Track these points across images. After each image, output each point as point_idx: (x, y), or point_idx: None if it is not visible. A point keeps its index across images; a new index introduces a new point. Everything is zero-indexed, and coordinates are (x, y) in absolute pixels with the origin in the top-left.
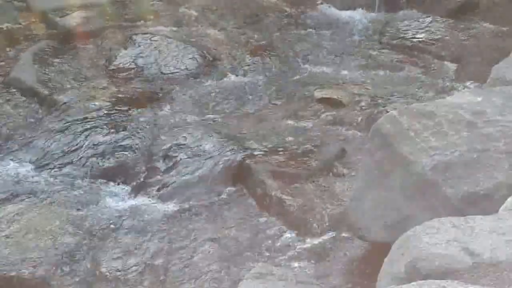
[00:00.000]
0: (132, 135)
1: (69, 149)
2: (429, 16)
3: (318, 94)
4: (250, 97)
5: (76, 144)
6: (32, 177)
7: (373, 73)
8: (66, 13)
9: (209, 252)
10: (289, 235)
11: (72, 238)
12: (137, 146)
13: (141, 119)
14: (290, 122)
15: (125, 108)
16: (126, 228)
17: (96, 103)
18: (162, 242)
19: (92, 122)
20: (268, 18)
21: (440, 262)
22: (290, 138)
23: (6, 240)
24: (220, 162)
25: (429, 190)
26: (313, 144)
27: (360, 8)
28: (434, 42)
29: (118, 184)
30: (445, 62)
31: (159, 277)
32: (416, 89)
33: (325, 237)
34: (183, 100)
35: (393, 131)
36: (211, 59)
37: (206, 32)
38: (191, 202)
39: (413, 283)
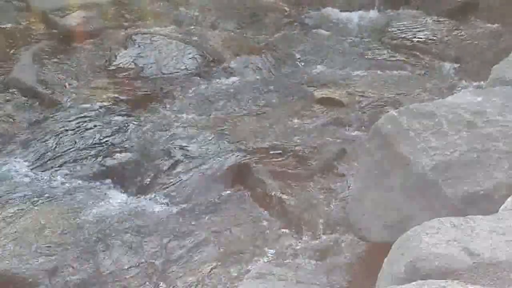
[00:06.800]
0: (132, 135)
1: (69, 149)
2: (429, 16)
3: (318, 94)
4: (250, 97)
5: (76, 144)
6: (32, 177)
7: (373, 73)
8: (66, 13)
9: (209, 252)
10: (289, 235)
11: (72, 238)
12: (137, 146)
13: (141, 119)
14: (290, 122)
15: (125, 108)
16: (126, 228)
17: (96, 103)
18: (162, 242)
19: (92, 122)
20: (268, 18)
21: (440, 262)
22: (290, 138)
23: (6, 240)
24: (220, 162)
25: (429, 190)
26: (313, 144)
27: (360, 8)
28: (434, 42)
29: (118, 184)
30: (445, 62)
31: (159, 277)
32: (416, 89)
33: (325, 237)
34: (183, 100)
35: (393, 131)
36: (211, 59)
37: (206, 32)
38: (191, 202)
39: (413, 283)
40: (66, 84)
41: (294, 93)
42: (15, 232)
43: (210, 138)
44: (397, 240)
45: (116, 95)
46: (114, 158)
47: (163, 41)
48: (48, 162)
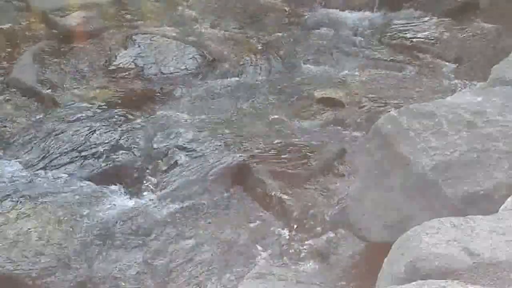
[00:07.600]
0: (132, 135)
1: (69, 149)
2: (429, 16)
3: (318, 94)
4: (250, 97)
5: (76, 144)
6: (32, 177)
7: (373, 73)
8: (66, 13)
9: (209, 252)
10: (289, 235)
11: (72, 238)
12: (137, 146)
13: (141, 119)
14: (290, 122)
15: (125, 108)
16: (126, 228)
17: (96, 103)
18: (162, 242)
19: (92, 122)
20: (268, 18)
21: (440, 262)
22: (290, 138)
23: (6, 240)
24: (220, 162)
25: (429, 190)
26: (313, 144)
27: (360, 8)
28: (434, 42)
29: (118, 184)
30: (445, 62)
31: (159, 278)
32: (416, 89)
33: (325, 237)
34: (183, 100)
35: (393, 131)
36: (211, 59)
37: (206, 32)
38: (191, 202)
39: (413, 283)
40: (66, 84)
41: (294, 93)
42: (15, 232)
43: (210, 138)
44: (397, 240)
45: (116, 95)
46: (114, 158)
47: (163, 41)
48: (48, 162)
